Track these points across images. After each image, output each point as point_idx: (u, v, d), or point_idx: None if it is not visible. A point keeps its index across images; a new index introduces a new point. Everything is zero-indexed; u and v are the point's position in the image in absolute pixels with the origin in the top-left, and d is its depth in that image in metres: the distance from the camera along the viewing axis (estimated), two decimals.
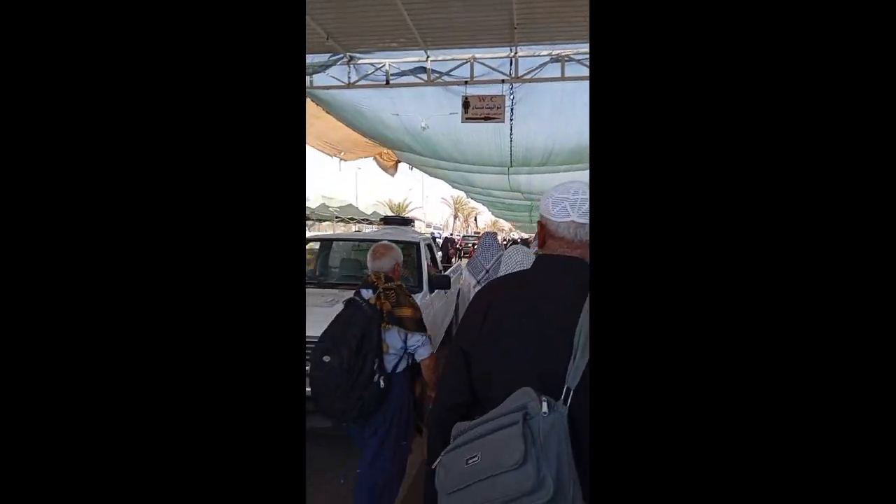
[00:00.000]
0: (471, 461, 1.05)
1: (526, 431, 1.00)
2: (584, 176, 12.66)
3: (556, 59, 5.72)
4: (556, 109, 6.30)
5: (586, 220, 1.18)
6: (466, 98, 5.75)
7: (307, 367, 2.39)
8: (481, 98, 5.73)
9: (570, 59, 5.70)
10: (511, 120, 6.46)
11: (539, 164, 8.71)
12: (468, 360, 1.24)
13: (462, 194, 21.69)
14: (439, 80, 6.04)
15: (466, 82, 5.93)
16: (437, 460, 1.16)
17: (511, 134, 6.82)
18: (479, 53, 5.79)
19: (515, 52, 5.74)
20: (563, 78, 5.69)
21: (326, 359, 2.37)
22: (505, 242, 20.68)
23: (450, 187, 17.50)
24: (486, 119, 5.70)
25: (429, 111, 6.31)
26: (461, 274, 7.47)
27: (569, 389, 1.04)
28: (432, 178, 13.69)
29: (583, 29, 5.33)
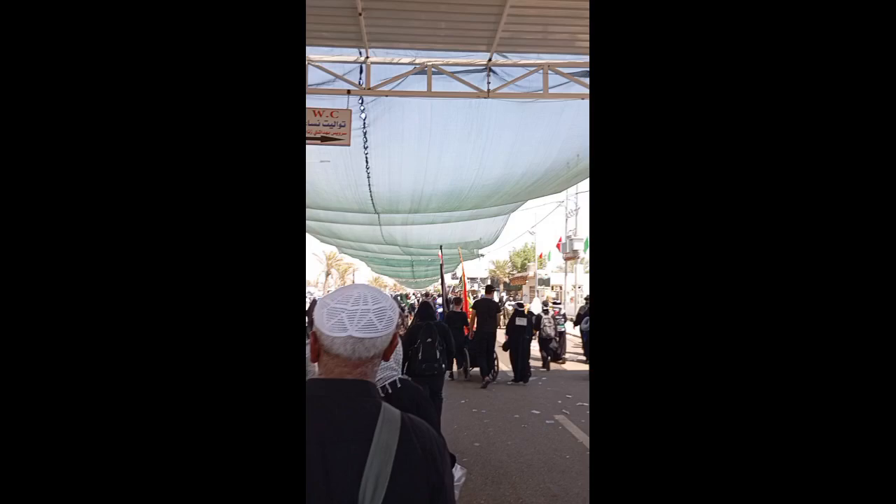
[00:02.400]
0: None
1: None
2: (463, 227, 11.57)
3: (421, 70, 4.36)
4: (424, 134, 4.89)
5: (368, 334, 1.02)
6: None
7: None
8: (318, 112, 4.11)
9: (440, 72, 4.37)
10: (366, 149, 4.92)
11: (410, 209, 7.24)
12: None
13: (335, 248, 19.74)
14: None
15: None
16: None
17: (368, 168, 5.27)
18: (316, 55, 4.23)
19: (367, 57, 4.28)
20: (430, 92, 4.33)
21: None
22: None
23: (319, 242, 15.59)
24: (325, 140, 4.07)
25: None
26: None
27: None
28: None
29: (444, 35, 4.04)
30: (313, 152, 4.75)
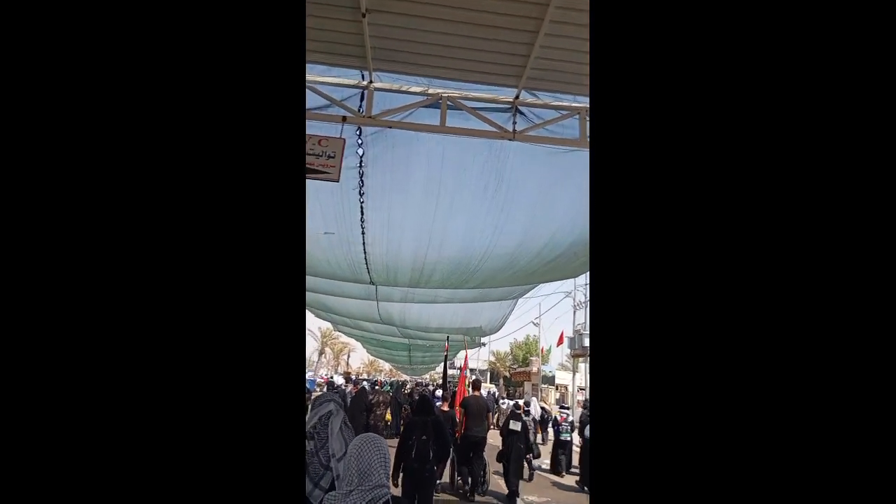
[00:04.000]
0: None
1: None
2: (465, 310, 10.55)
3: (434, 102, 3.63)
4: (432, 184, 4.08)
5: None
6: None
7: None
8: (309, 138, 3.31)
9: (456, 107, 3.64)
10: (361, 196, 4.09)
11: (410, 282, 6.31)
12: None
13: (330, 325, 18.65)
14: None
15: None
16: None
17: (363, 221, 4.42)
18: (308, 75, 3.52)
19: (370, 81, 3.57)
20: (443, 127, 3.56)
21: None
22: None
23: (315, 317, 14.61)
24: (309, 172, 3.23)
25: None
26: None
27: None
28: None
29: (464, 61, 3.36)
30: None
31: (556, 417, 10.68)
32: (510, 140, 3.61)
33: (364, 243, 4.84)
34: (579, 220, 4.35)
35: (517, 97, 3.66)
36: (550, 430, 10.76)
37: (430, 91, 3.64)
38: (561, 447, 9.84)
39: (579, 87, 3.62)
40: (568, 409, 12.08)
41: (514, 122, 3.65)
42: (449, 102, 3.62)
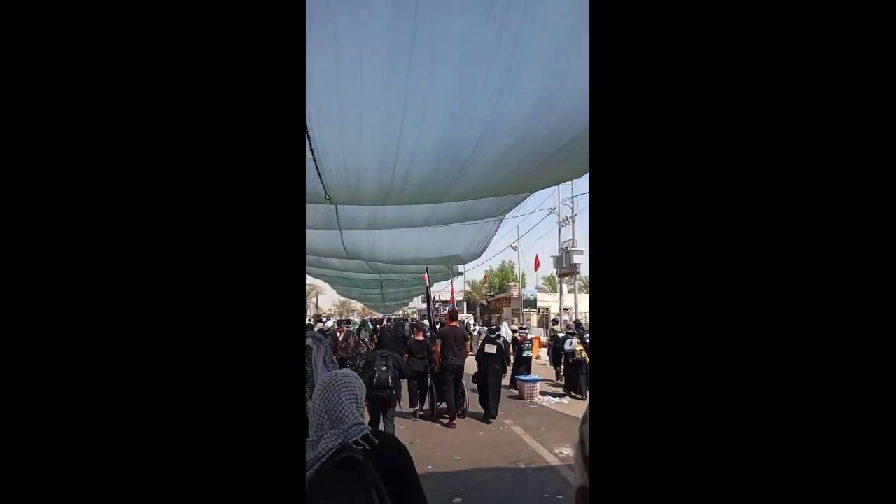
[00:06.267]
0: None
1: None
2: (444, 236, 9.38)
3: None
4: (399, 30, 2.67)
5: None
6: None
7: None
8: None
9: None
10: None
11: (377, 195, 4.99)
12: None
13: None
14: None
15: None
16: None
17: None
18: None
19: None
20: None
21: None
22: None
23: None
24: None
25: None
26: None
27: None
28: None
29: None
30: None
31: (516, 338, 12.05)
32: None
33: (309, 139, 3.45)
34: None
35: None
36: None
37: None
38: (522, 363, 11.48)
39: None
40: (525, 329, 14.15)
41: None
42: None
